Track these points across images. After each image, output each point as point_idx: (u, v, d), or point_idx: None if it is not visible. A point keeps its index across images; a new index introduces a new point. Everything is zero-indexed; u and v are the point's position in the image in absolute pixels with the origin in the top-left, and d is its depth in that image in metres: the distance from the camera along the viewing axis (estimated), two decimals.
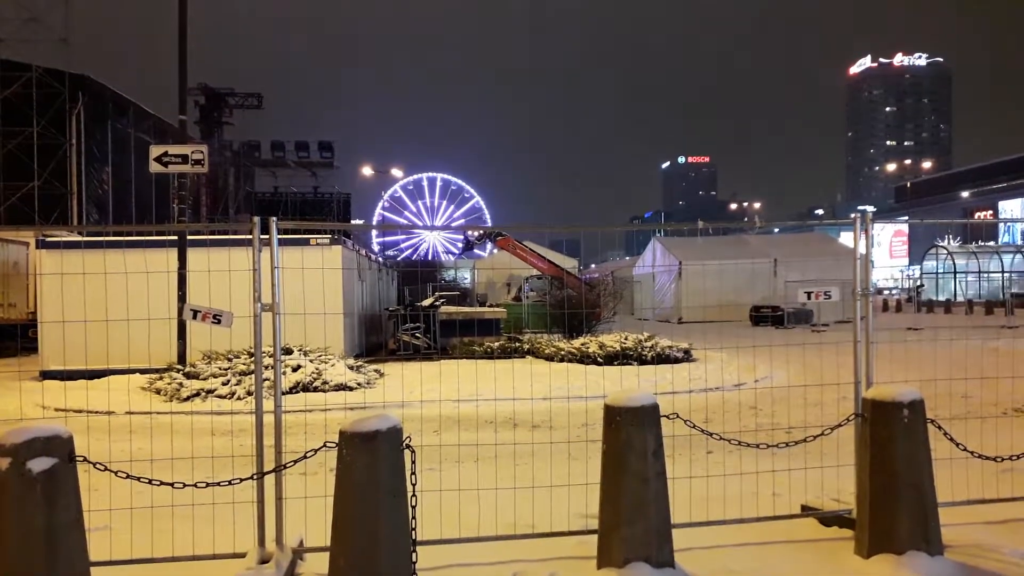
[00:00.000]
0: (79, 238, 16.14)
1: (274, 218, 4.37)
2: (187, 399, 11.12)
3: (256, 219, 4.29)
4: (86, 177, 29.28)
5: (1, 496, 3.27)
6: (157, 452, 6.29)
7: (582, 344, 15.70)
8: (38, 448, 3.28)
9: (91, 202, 29.77)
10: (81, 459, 3.44)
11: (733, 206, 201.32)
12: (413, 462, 3.80)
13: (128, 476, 3.78)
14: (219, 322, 4.27)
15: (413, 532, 3.80)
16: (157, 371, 12.30)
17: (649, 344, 15.32)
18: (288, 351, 12.21)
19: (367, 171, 51.12)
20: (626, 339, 15.58)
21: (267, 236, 4.31)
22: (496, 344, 16.96)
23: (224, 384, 11.33)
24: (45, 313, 14.61)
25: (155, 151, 11.86)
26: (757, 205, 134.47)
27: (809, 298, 5.71)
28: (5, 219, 26.59)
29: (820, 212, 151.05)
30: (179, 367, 12.21)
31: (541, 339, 17.53)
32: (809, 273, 28.98)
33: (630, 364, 14.55)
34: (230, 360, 12.00)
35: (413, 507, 3.81)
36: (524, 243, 23.14)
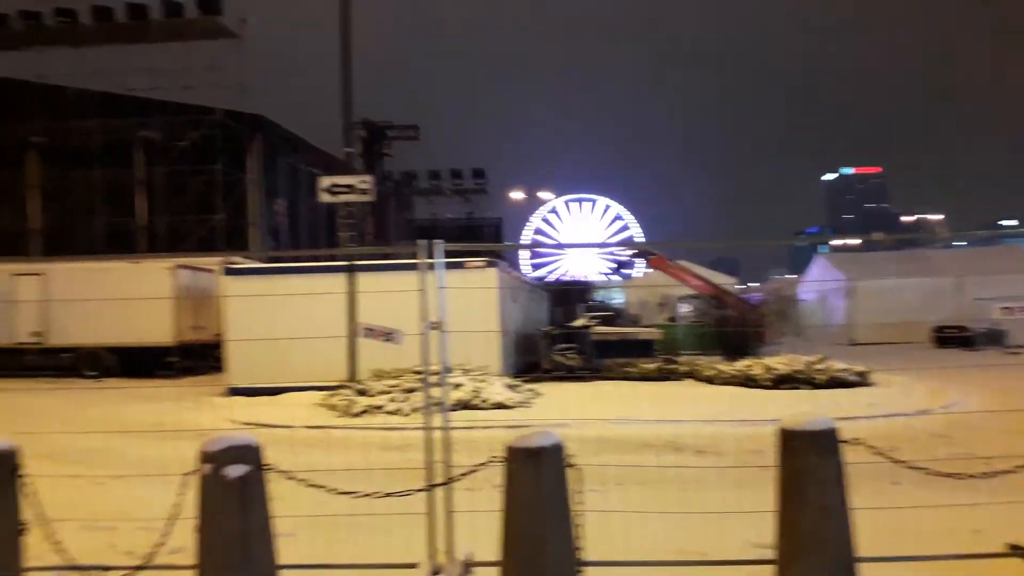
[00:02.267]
0: (257, 265, 17.53)
1: (439, 241, 4.52)
2: (358, 415, 11.70)
3: (422, 242, 4.45)
4: (262, 209, 31.83)
5: (204, 498, 3.56)
6: (333, 464, 6.62)
7: (746, 366, 15.08)
8: (233, 456, 3.54)
9: (267, 231, 32.29)
10: (269, 468, 3.68)
11: (908, 219, 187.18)
12: (577, 480, 3.76)
13: (312, 485, 4.00)
14: (390, 339, 4.45)
15: (579, 552, 3.75)
16: (330, 388, 13.03)
17: (821, 367, 14.46)
18: (448, 370, 12.59)
19: (517, 195, 52.15)
20: (795, 361, 14.80)
21: (432, 259, 4.46)
22: (652, 366, 16.63)
23: (391, 401, 11.83)
24: (230, 333, 15.87)
25: (324, 182, 12.69)
26: (938, 217, 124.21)
27: (1007, 313, 5.15)
28: (195, 250, 29.32)
29: (1014, 224, 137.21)
30: (351, 384, 12.87)
31: (700, 361, 17.02)
32: (1000, 290, 26.33)
33: (799, 388, 13.80)
34: (396, 378, 12.51)
35: (579, 526, 3.77)
36: (678, 262, 22.66)
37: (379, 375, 12.90)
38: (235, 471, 3.45)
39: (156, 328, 20.31)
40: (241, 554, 3.48)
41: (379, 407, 11.84)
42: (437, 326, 4.40)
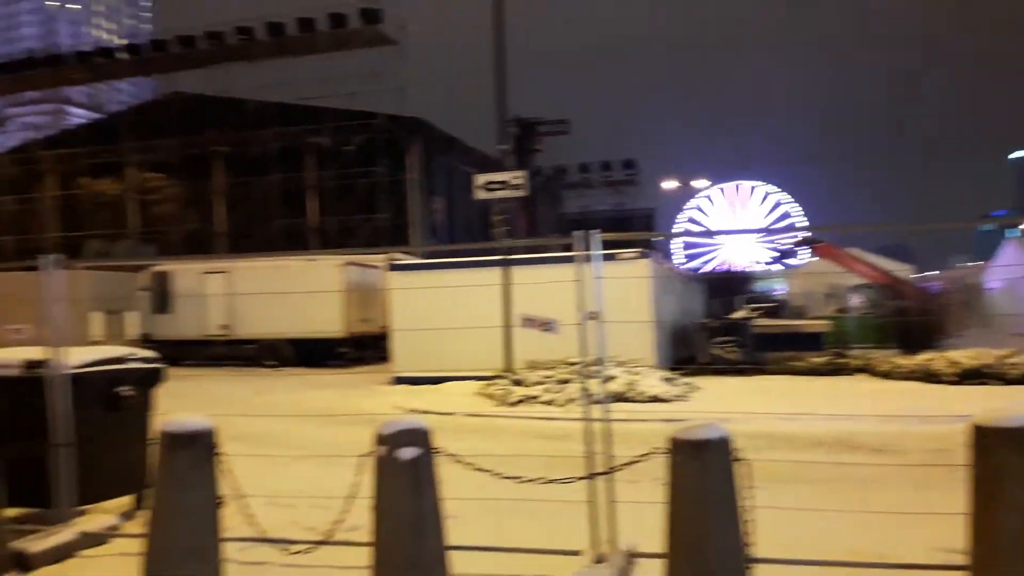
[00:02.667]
0: (419, 260, 18.27)
1: (596, 231, 4.50)
2: (514, 404, 11.92)
3: (579, 233, 4.45)
4: (421, 207, 33.17)
5: (379, 479, 3.75)
6: (492, 451, 6.77)
7: (926, 360, 13.96)
8: (406, 439, 3.70)
9: (426, 228, 33.62)
10: (439, 451, 3.82)
11: None
12: (747, 475, 3.62)
13: (478, 469, 4.11)
14: (548, 329, 4.48)
15: (748, 548, 3.61)
16: (488, 378, 13.37)
17: (1014, 361, 13.13)
18: (603, 362, 12.55)
19: (670, 184, 51.05)
20: (983, 355, 13.52)
21: (589, 250, 4.45)
22: (821, 359, 15.76)
23: (546, 391, 11.96)
24: (395, 324, 16.63)
25: (480, 179, 13.02)
26: None
27: None
28: (362, 247, 31.03)
29: None
30: (507, 375, 13.15)
31: (874, 355, 15.94)
32: None
33: (988, 384, 12.59)
34: (550, 369, 12.63)
35: (747, 522, 3.63)
36: (847, 249, 21.29)
37: (533, 366, 13.07)
38: (408, 453, 3.60)
39: (328, 321, 21.65)
40: (414, 533, 3.63)
41: (534, 397, 12.00)
42: (595, 316, 4.39)
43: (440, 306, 15.05)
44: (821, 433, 9.01)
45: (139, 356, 6.02)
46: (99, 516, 5.57)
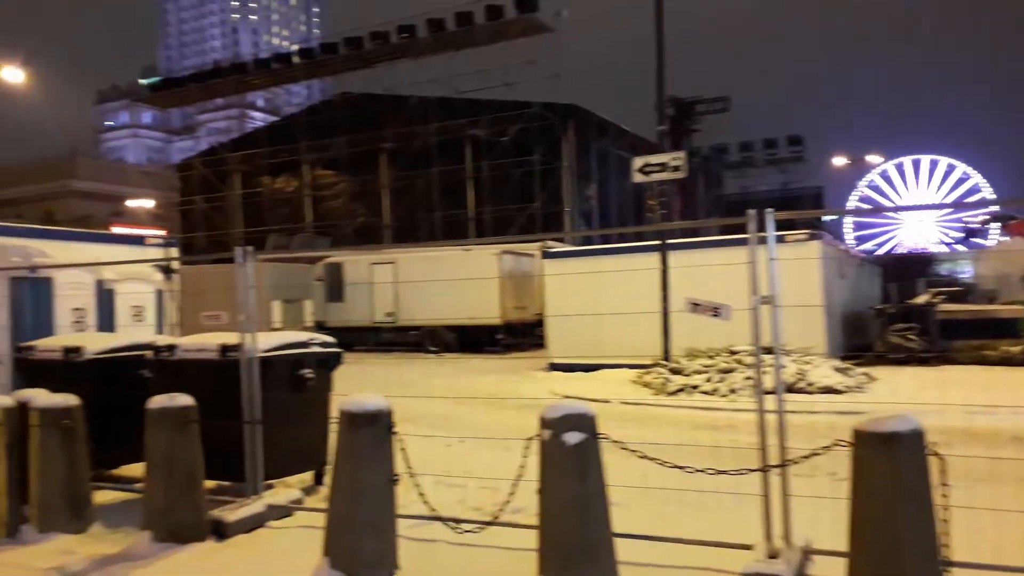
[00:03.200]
0: (573, 247, 18.29)
1: (770, 210, 4.28)
2: (673, 393, 11.68)
3: (752, 212, 4.25)
4: (576, 194, 33.15)
5: (544, 462, 3.78)
6: (652, 440, 6.65)
7: None
8: (571, 423, 3.70)
9: (580, 215, 33.58)
10: (604, 436, 3.79)
11: None
12: (941, 471, 3.32)
13: (644, 457, 4.05)
14: (718, 315, 4.32)
15: (943, 550, 3.32)
16: (644, 367, 13.18)
17: None
18: (768, 350, 12.01)
19: (840, 161, 47.92)
20: None
21: (761, 232, 4.24)
22: (1016, 348, 14.26)
23: (707, 381, 11.62)
24: (550, 311, 16.77)
25: (638, 162, 12.78)
26: None
27: None
28: (516, 235, 31.53)
29: None
30: (664, 362, 12.90)
31: None
32: None
33: None
34: (711, 358, 12.26)
35: (943, 522, 3.33)
36: None
37: (692, 354, 12.73)
38: (573, 438, 3.61)
39: (485, 308, 22.20)
40: (579, 518, 3.64)
41: (695, 387, 11.69)
42: (768, 301, 4.18)
43: (595, 292, 15.00)
44: (1022, 429, 8.16)
45: (319, 341, 6.43)
46: (284, 490, 6.01)
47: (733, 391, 11.16)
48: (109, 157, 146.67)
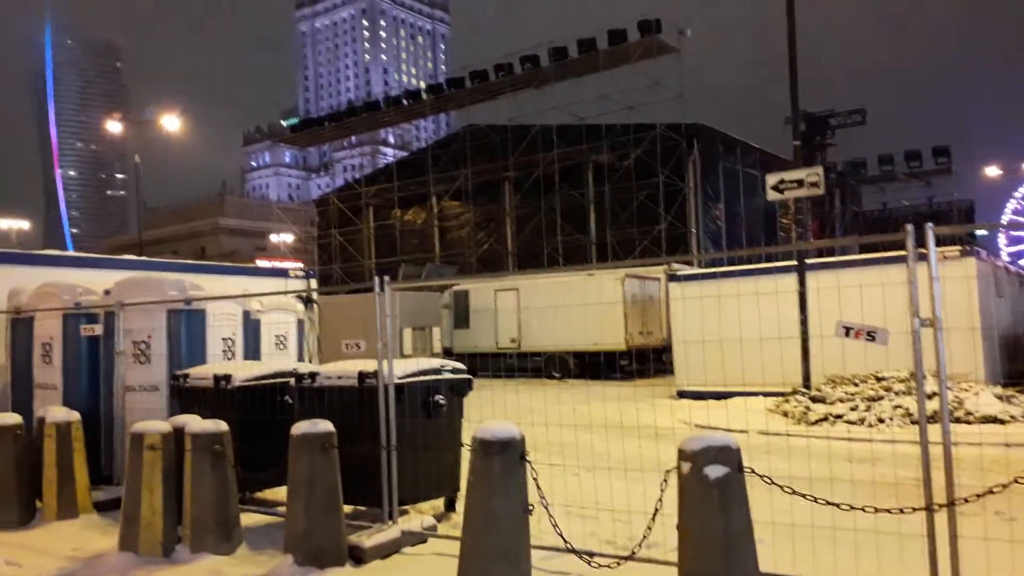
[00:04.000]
0: (700, 270, 17.77)
1: (930, 224, 3.96)
2: (814, 423, 11.04)
3: (909, 227, 3.94)
4: (702, 215, 32.35)
5: (683, 497, 3.60)
6: (795, 473, 6.27)
7: None
8: (712, 456, 3.51)
9: (707, 237, 32.70)
10: (749, 471, 3.57)
11: None
12: None
13: (793, 492, 3.79)
14: (873, 339, 4.01)
15: None
16: (781, 394, 12.55)
17: None
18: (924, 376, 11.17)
19: (992, 171, 44.40)
20: None
21: (922, 248, 3.91)
22: None
23: (852, 410, 10.92)
24: (677, 337, 16.32)
25: (771, 179, 12.29)
26: None
27: None
28: (640, 259, 31.08)
29: None
30: (804, 390, 12.24)
31: None
32: None
33: None
34: (855, 385, 11.52)
35: None
36: None
37: (835, 381, 12.01)
38: (715, 471, 3.42)
39: (609, 334, 21.95)
40: (724, 558, 3.43)
41: (839, 416, 11.01)
42: (929, 324, 3.84)
43: (725, 316, 14.46)
44: None
45: (450, 367, 6.51)
46: (417, 516, 6.08)
47: (881, 421, 10.43)
48: (253, 195, 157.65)
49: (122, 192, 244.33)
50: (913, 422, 9.99)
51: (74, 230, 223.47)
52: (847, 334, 4.19)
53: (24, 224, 63.49)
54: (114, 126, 57.52)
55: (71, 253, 14.96)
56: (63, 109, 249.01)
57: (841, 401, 11.27)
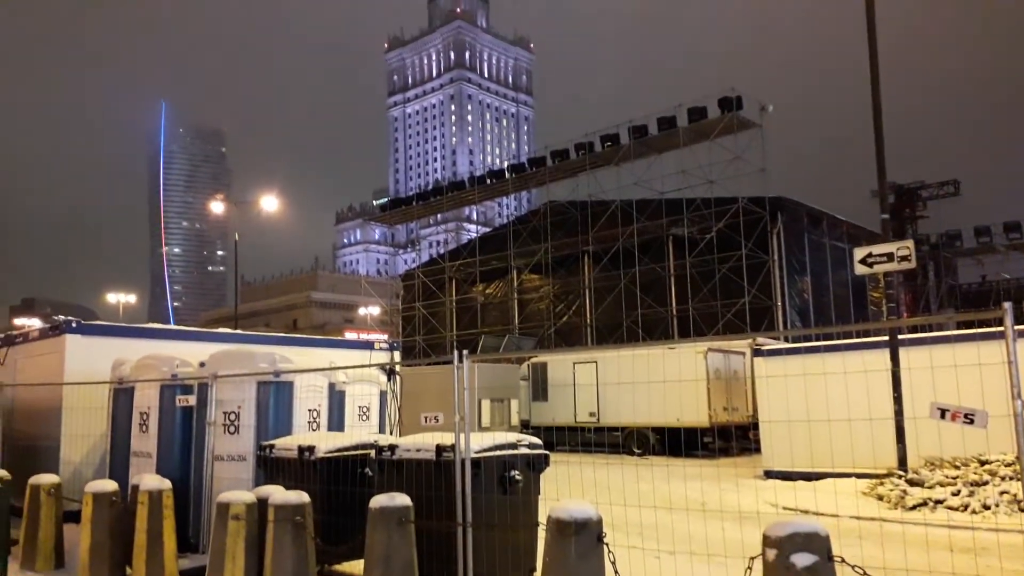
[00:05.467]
0: (788, 344, 17.25)
1: None
2: (912, 508, 10.40)
3: (1007, 305, 3.80)
4: (787, 288, 31.55)
5: None
6: (892, 563, 5.92)
7: None
8: (799, 543, 3.38)
9: (793, 310, 31.79)
10: (839, 560, 3.41)
11: None
12: None
13: None
14: (971, 422, 3.82)
15: None
16: (875, 476, 11.92)
17: None
18: None
19: None
20: None
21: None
22: None
23: (954, 495, 10.24)
24: (763, 414, 15.78)
25: (859, 253, 11.97)
26: None
27: None
28: (722, 333, 30.42)
29: None
30: (900, 473, 11.59)
31: None
32: None
33: None
34: (957, 468, 10.84)
35: None
36: None
37: (933, 463, 11.33)
38: (802, 560, 3.29)
39: (692, 409, 21.38)
40: None
41: (939, 501, 10.34)
42: None
43: (814, 394, 13.92)
44: None
45: (527, 442, 6.50)
46: None
47: (987, 507, 9.73)
48: (344, 270, 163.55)
49: (221, 268, 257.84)
50: (1022, 509, 9.29)
51: (176, 303, 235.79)
52: (942, 416, 4.01)
53: (131, 298, 67.47)
54: (217, 207, 61.12)
55: (171, 327, 15.84)
56: (171, 191, 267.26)
57: (941, 485, 10.60)
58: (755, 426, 17.95)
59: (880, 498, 11.25)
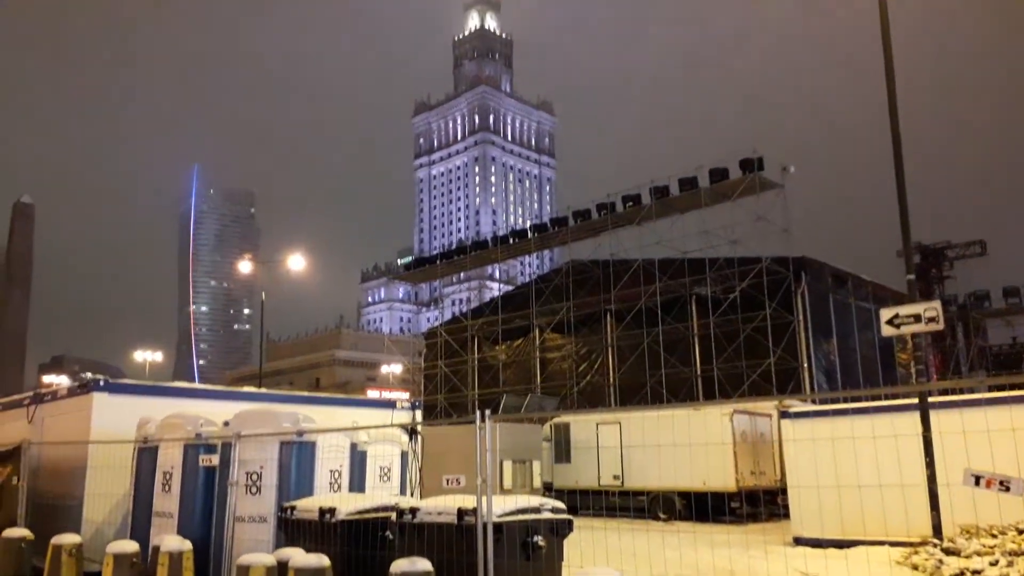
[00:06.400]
0: (815, 407, 16.95)
1: None
2: None
3: None
4: (813, 349, 31.14)
5: None
6: None
7: None
8: None
9: (820, 371, 31.30)
10: None
11: None
12: None
13: None
14: (1007, 489, 3.73)
15: None
16: (909, 544, 11.55)
17: None
18: None
19: None
20: None
21: None
22: None
23: (992, 564, 9.89)
24: (792, 479, 15.44)
25: (886, 314, 11.86)
26: None
27: None
28: (748, 394, 29.98)
29: None
30: (935, 541, 11.22)
31: None
32: None
33: None
34: (995, 536, 10.49)
35: None
36: None
37: (969, 532, 10.97)
38: None
39: (718, 473, 20.97)
40: None
41: (977, 571, 9.98)
42: None
43: (843, 458, 13.62)
44: None
45: (550, 506, 6.42)
46: None
47: None
48: (368, 328, 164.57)
49: (247, 326, 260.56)
50: None
51: (201, 362, 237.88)
52: (977, 483, 3.93)
53: (158, 356, 68.23)
54: (245, 266, 62.04)
55: (196, 385, 15.98)
56: (201, 250, 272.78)
57: (979, 555, 10.25)
58: (783, 491, 17.54)
59: (915, 567, 10.90)
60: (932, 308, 11.41)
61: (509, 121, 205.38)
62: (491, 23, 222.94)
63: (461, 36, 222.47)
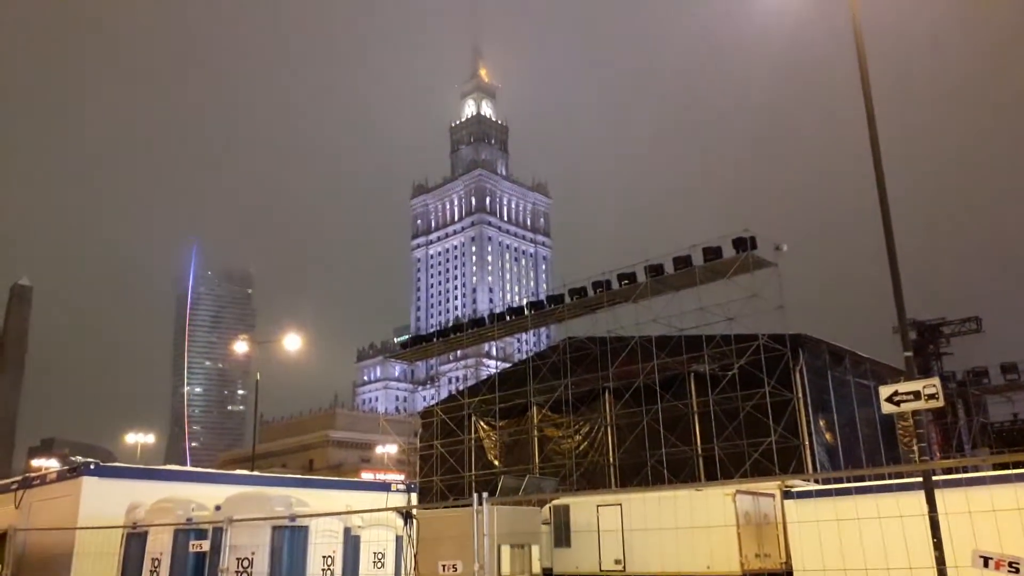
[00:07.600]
0: (819, 487, 16.68)
1: None
2: None
3: None
4: (813, 426, 30.77)
5: None
6: None
7: None
8: None
9: (821, 449, 30.84)
10: None
11: None
12: None
13: None
14: (1017, 571, 3.64)
15: None
16: None
17: None
18: None
19: None
20: None
21: None
22: None
23: None
24: (797, 563, 15.05)
25: (885, 391, 11.79)
26: None
27: None
28: (750, 474, 29.43)
29: None
30: None
31: None
32: None
33: None
34: None
35: None
36: None
37: None
38: None
39: (722, 556, 20.39)
40: None
41: None
42: None
43: (849, 540, 13.34)
44: None
45: None
46: None
47: None
48: (363, 408, 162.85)
49: (241, 407, 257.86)
50: None
51: (194, 443, 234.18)
52: (985, 564, 3.84)
53: (150, 438, 67.18)
54: (240, 346, 61.83)
55: (187, 468, 15.72)
56: (197, 331, 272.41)
57: None
58: (789, 573, 17.04)
59: None
60: (931, 385, 11.35)
61: (505, 202, 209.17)
62: (487, 110, 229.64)
63: (458, 122, 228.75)
